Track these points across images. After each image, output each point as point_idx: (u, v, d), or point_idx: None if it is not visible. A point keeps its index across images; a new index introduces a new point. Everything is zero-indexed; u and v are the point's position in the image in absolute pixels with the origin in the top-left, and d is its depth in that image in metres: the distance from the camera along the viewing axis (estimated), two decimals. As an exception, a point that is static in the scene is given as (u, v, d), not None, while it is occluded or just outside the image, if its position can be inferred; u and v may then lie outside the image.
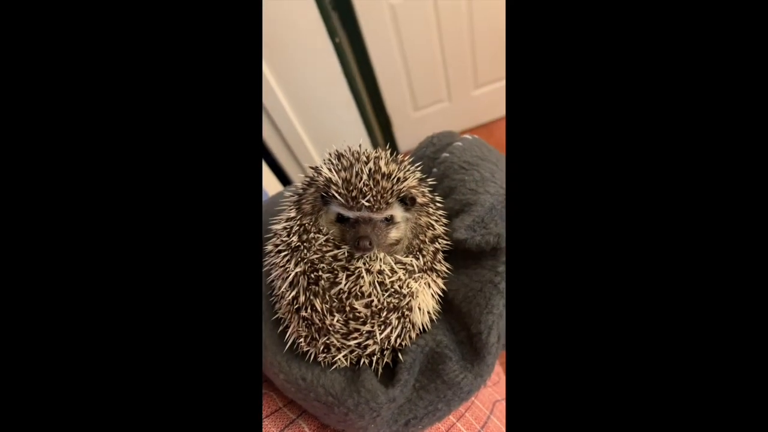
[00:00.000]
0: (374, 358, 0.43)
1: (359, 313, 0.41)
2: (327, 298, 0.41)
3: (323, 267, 0.42)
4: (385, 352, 0.43)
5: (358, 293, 0.41)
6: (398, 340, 0.43)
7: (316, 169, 0.47)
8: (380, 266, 0.42)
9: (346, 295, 0.41)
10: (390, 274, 0.42)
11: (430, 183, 0.50)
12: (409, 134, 2.30)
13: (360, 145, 0.48)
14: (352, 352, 0.42)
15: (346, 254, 0.42)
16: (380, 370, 0.43)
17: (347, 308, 0.41)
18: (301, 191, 0.48)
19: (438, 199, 0.49)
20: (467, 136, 0.56)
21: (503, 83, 2.02)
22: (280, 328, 0.45)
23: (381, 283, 0.41)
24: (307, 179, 0.47)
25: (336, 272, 0.41)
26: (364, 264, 0.42)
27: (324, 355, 0.42)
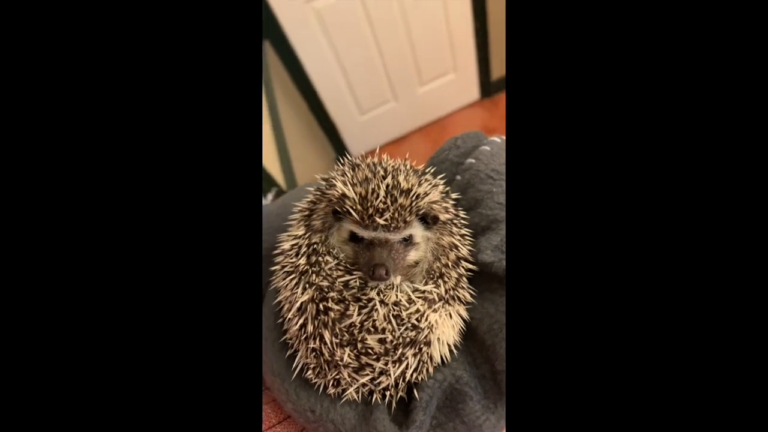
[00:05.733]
0: (388, 393, 0.39)
1: (372, 348, 0.37)
2: (337, 330, 0.37)
3: (333, 296, 0.38)
4: (399, 385, 0.39)
5: (371, 328, 0.37)
6: (414, 374, 0.39)
7: (328, 180, 0.42)
8: (396, 297, 0.38)
9: (357, 329, 0.37)
10: (407, 305, 0.38)
11: (454, 197, 0.44)
12: (360, 139, 2.17)
13: (377, 154, 0.43)
14: (364, 386, 0.39)
15: (358, 282, 0.38)
16: (394, 404, 0.40)
17: (359, 343, 0.37)
18: (311, 205, 0.43)
19: (462, 214, 0.44)
20: (496, 138, 0.50)
21: (450, 77, 1.91)
22: (289, 353, 0.42)
23: (397, 316, 0.37)
24: (318, 192, 0.43)
25: (347, 303, 0.37)
26: (379, 294, 0.37)
27: (334, 389, 0.39)
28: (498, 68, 2.00)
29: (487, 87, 2.04)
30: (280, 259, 0.42)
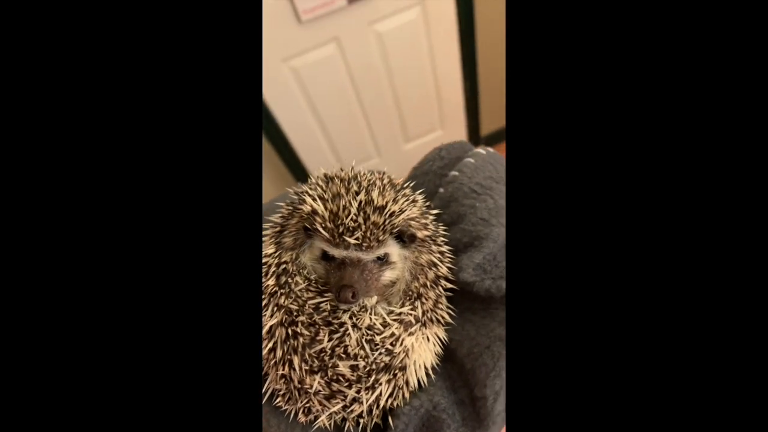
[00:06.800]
0: (362, 420, 0.37)
1: (343, 375, 0.35)
2: (306, 356, 0.35)
3: (302, 320, 0.36)
4: (373, 412, 0.37)
5: (342, 354, 0.35)
6: (389, 400, 0.37)
7: (300, 194, 0.40)
8: (370, 320, 0.36)
9: (328, 354, 0.35)
10: (381, 329, 0.36)
11: (435, 213, 0.42)
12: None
13: (352, 168, 0.41)
14: (336, 413, 0.37)
15: (329, 306, 0.36)
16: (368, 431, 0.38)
17: (329, 369, 0.35)
18: (282, 221, 0.41)
19: (442, 230, 0.42)
20: (481, 150, 0.48)
21: (437, 134, 1.84)
22: None
23: (370, 341, 0.35)
24: (290, 207, 0.41)
25: (317, 327, 0.35)
26: (351, 318, 0.35)
27: (305, 417, 0.37)
28: (488, 124, 1.93)
29: (476, 143, 1.99)
30: None
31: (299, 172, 1.71)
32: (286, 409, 0.38)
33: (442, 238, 0.41)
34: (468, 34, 1.53)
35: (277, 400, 0.38)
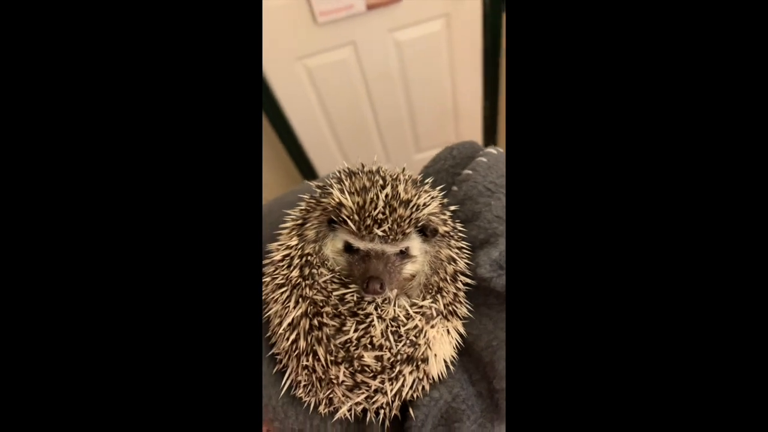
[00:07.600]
0: (382, 411, 0.38)
1: (368, 366, 0.35)
2: (332, 347, 0.35)
3: (328, 311, 0.36)
4: (394, 403, 0.38)
5: (368, 344, 0.35)
6: (410, 392, 0.37)
7: (323, 188, 0.41)
8: (395, 312, 0.36)
9: (354, 345, 0.35)
10: (405, 321, 0.36)
11: (452, 209, 0.43)
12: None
13: (374, 163, 0.41)
14: (357, 404, 0.37)
15: (355, 297, 0.36)
16: (388, 423, 0.38)
17: (355, 360, 0.35)
18: (304, 213, 0.41)
19: (459, 227, 0.43)
20: (492, 150, 0.49)
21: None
22: (277, 368, 0.40)
23: (395, 332, 0.36)
24: (312, 200, 0.41)
25: (343, 318, 0.36)
26: (376, 309, 0.36)
27: (326, 408, 0.37)
28: (504, 144, 1.91)
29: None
30: (270, 270, 0.40)
31: (307, 170, 1.69)
32: (306, 401, 0.38)
33: (460, 234, 0.42)
34: (493, 51, 1.48)
35: (298, 391, 0.38)
